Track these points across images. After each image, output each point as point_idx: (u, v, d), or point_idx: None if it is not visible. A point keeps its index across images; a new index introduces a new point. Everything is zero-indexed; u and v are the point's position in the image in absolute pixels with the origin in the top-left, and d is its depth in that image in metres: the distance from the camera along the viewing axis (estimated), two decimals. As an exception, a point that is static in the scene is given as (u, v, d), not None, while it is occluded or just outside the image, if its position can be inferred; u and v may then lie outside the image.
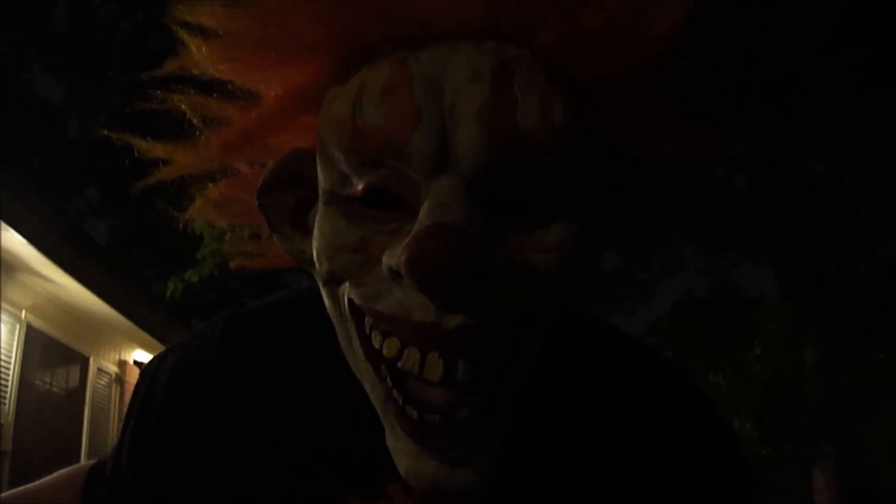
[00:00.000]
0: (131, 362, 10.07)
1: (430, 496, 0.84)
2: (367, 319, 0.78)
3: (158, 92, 0.89)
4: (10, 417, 7.30)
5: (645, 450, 0.90)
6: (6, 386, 7.37)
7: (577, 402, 0.91)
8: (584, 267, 0.80)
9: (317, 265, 0.81)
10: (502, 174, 0.73)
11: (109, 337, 9.44)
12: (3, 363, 7.34)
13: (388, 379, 0.77)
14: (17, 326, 7.56)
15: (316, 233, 0.81)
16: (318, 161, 0.81)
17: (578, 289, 17.27)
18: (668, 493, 0.89)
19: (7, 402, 7.35)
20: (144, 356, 10.27)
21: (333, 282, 0.80)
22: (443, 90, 0.73)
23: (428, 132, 0.72)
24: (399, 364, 0.75)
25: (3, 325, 7.29)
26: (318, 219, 0.81)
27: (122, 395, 9.71)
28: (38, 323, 7.87)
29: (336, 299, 0.81)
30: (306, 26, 0.76)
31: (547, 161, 0.74)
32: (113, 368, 9.58)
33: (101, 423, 9.23)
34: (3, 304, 7.28)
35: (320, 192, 0.81)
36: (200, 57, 0.81)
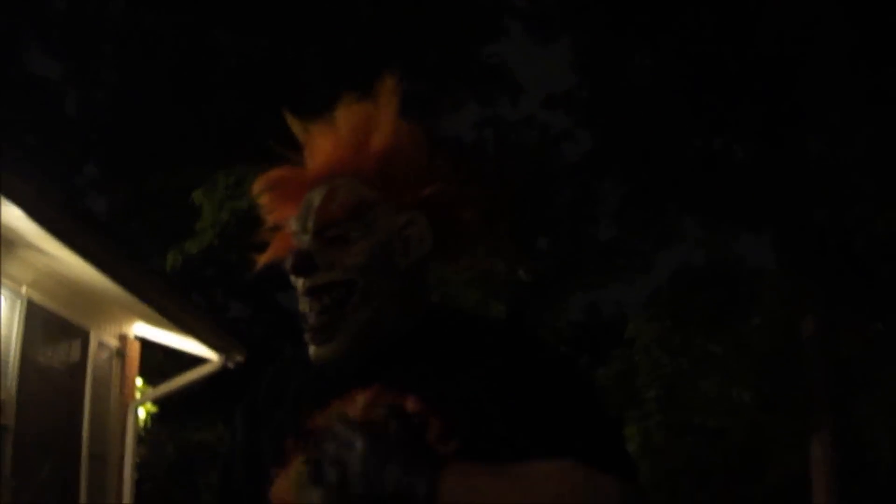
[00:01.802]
0: (132, 336, 10.10)
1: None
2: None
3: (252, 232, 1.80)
4: (12, 392, 7.34)
5: (479, 362, 1.52)
6: (7, 361, 7.40)
7: (450, 336, 1.59)
8: (383, 262, 1.57)
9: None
10: (327, 227, 1.57)
11: (110, 311, 9.47)
12: (3, 338, 7.38)
13: (303, 322, 1.59)
14: (18, 302, 7.59)
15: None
16: None
17: (576, 261, 17.31)
18: (497, 391, 1.49)
19: (8, 377, 7.38)
20: (145, 329, 10.30)
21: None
22: (311, 201, 1.60)
23: (300, 224, 1.62)
24: (302, 310, 1.59)
25: (3, 301, 7.32)
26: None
27: (123, 368, 9.74)
28: (38, 298, 7.90)
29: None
30: (297, 186, 1.68)
31: (350, 217, 1.57)
32: (114, 342, 9.61)
33: (103, 397, 9.26)
34: (4, 280, 7.31)
35: None
36: (264, 217, 1.75)
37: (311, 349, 1.56)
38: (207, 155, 15.92)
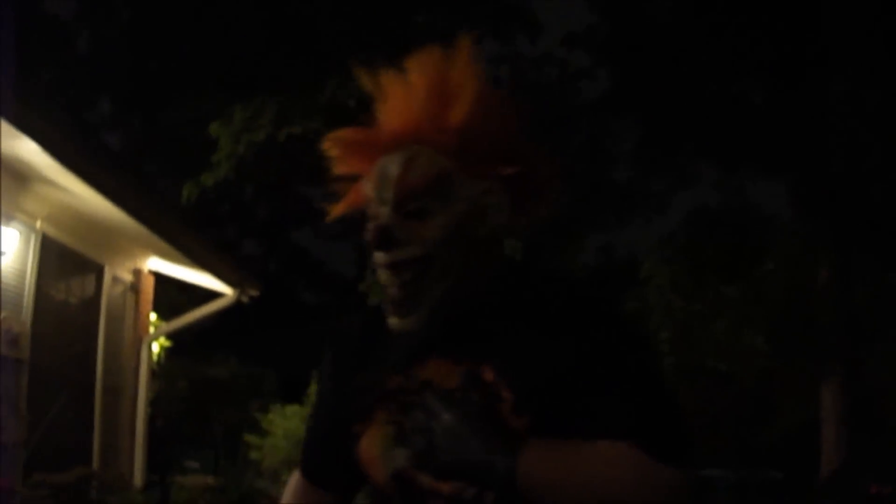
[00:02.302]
0: (146, 270, 10.11)
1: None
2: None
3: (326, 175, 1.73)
4: (27, 327, 7.36)
5: (557, 321, 1.55)
6: (22, 296, 7.41)
7: (518, 303, 1.61)
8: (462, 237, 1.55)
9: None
10: (407, 200, 1.55)
11: (124, 245, 9.46)
12: (18, 273, 7.37)
13: (384, 291, 1.59)
14: (33, 236, 7.58)
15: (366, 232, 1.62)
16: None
17: (592, 202, 17.22)
18: (567, 343, 1.52)
19: (23, 311, 7.40)
20: (159, 264, 10.30)
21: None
22: (388, 170, 1.57)
23: (378, 193, 1.58)
24: (382, 281, 1.59)
25: (18, 235, 7.30)
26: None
27: (136, 303, 9.77)
28: (53, 232, 7.89)
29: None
30: (373, 143, 1.63)
31: (429, 191, 1.55)
32: (128, 277, 9.62)
33: (117, 332, 9.29)
34: (18, 214, 7.28)
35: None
36: (334, 166, 1.70)
37: (393, 320, 1.58)
38: (224, 88, 15.83)
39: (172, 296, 12.30)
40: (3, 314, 6.96)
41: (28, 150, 6.49)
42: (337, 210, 1.73)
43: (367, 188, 1.61)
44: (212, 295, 10.95)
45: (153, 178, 13.86)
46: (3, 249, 7.00)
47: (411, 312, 1.56)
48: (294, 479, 1.82)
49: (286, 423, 11.89)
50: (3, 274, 7.09)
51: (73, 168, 6.93)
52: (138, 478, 9.14)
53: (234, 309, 11.08)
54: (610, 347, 1.53)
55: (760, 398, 18.43)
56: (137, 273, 9.83)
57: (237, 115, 11.72)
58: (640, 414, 1.49)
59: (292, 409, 12.21)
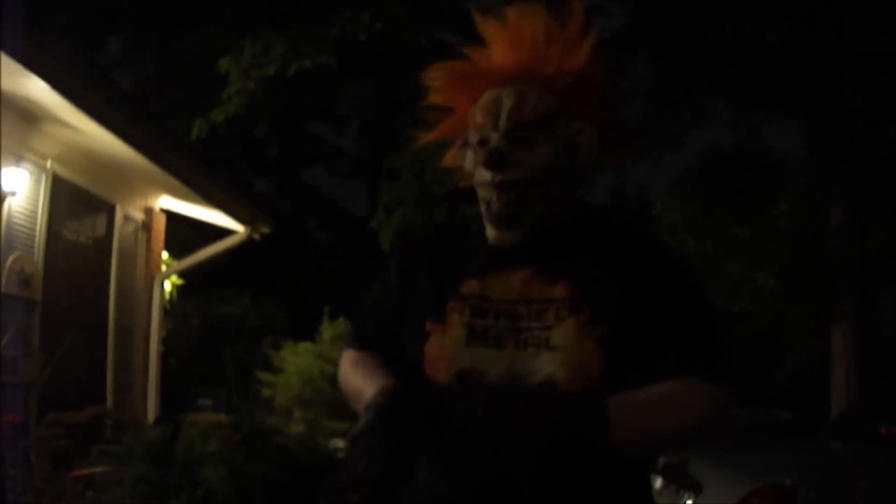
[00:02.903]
0: (157, 209, 10.10)
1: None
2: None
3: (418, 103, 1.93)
4: (39, 267, 7.38)
5: (629, 256, 1.77)
6: (33, 236, 7.41)
7: (598, 233, 1.83)
8: (566, 164, 1.76)
9: (468, 167, 1.83)
10: (518, 129, 1.73)
11: (135, 184, 9.44)
12: (29, 213, 7.37)
13: (484, 205, 1.77)
14: (43, 176, 7.57)
15: (468, 156, 1.82)
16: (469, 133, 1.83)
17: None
18: (644, 278, 1.73)
19: (35, 252, 7.41)
20: (170, 202, 10.29)
21: (472, 173, 1.82)
22: (501, 101, 1.75)
23: (491, 120, 1.75)
24: (485, 198, 1.76)
25: (28, 176, 7.28)
26: (468, 152, 1.82)
27: (148, 241, 9.78)
28: (63, 172, 7.87)
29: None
30: (482, 77, 1.81)
31: (538, 123, 1.74)
32: (139, 215, 9.61)
33: (129, 270, 9.31)
34: (28, 155, 7.26)
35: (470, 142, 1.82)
36: (432, 93, 1.89)
37: (493, 233, 1.77)
38: (233, 24, 15.69)
39: (184, 234, 12.31)
40: (14, 255, 6.97)
41: (37, 89, 6.46)
42: (432, 135, 1.94)
43: (477, 115, 1.78)
44: (223, 233, 10.97)
45: (164, 117, 13.77)
46: (13, 190, 6.99)
47: (513, 226, 1.75)
48: (349, 356, 1.93)
49: (298, 360, 11.98)
50: (14, 215, 7.09)
51: (83, 107, 6.90)
52: (151, 416, 9.22)
53: (246, 247, 11.11)
54: (669, 275, 1.77)
55: (771, 339, 18.44)
56: (149, 211, 9.83)
57: (247, 50, 11.61)
58: (697, 341, 1.73)
59: (304, 347, 12.29)
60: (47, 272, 7.52)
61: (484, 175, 1.75)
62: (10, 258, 6.92)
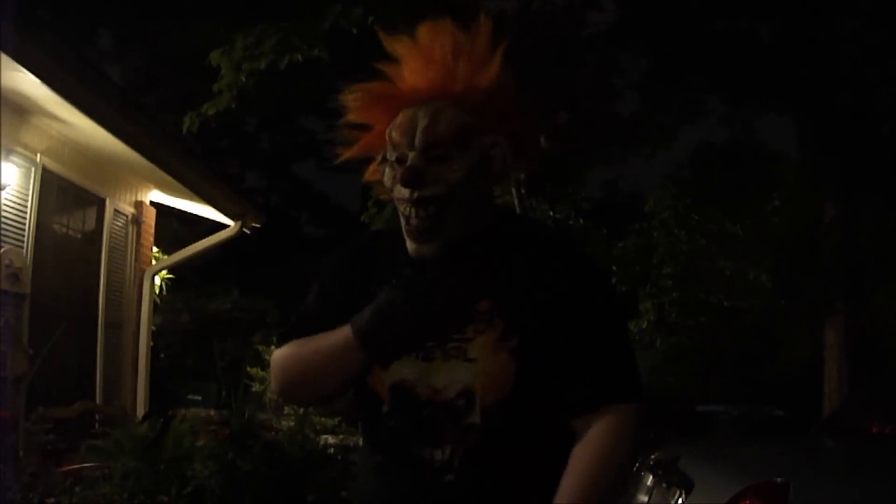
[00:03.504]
0: (147, 203, 10.05)
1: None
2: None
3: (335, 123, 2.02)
4: (29, 261, 7.33)
5: (535, 264, 1.83)
6: (23, 230, 7.37)
7: (509, 243, 1.87)
8: (477, 179, 1.83)
9: (388, 184, 1.87)
10: (433, 146, 1.80)
11: (125, 178, 9.40)
12: (19, 207, 7.33)
13: (403, 220, 1.82)
14: (33, 170, 7.52)
15: (387, 173, 1.88)
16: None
17: (597, 134, 17.10)
18: (548, 286, 1.80)
19: (25, 245, 7.36)
20: (161, 196, 10.25)
21: (391, 190, 1.87)
22: (416, 120, 1.81)
23: (407, 139, 1.82)
24: (404, 213, 1.82)
25: (18, 169, 7.24)
26: (386, 169, 1.88)
27: (138, 235, 9.72)
28: (53, 166, 7.83)
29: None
30: (397, 97, 1.87)
31: (452, 140, 1.80)
32: (129, 209, 9.56)
33: (118, 265, 9.27)
34: (18, 148, 7.21)
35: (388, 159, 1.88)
36: (351, 112, 1.95)
37: (412, 246, 1.85)
38: (225, 16, 15.64)
39: (174, 228, 12.27)
40: (3, 249, 6.93)
41: (27, 82, 6.42)
42: (349, 153, 1.99)
43: (394, 134, 1.85)
44: (214, 227, 10.91)
45: (154, 110, 13.73)
46: (3, 184, 6.94)
47: (431, 240, 1.82)
48: (285, 348, 1.96)
49: (289, 355, 11.91)
50: (3, 209, 7.04)
51: (73, 100, 6.86)
52: (141, 411, 9.17)
53: (237, 241, 11.05)
54: (582, 287, 1.84)
55: (764, 335, 18.47)
56: (139, 206, 9.78)
57: (238, 43, 11.59)
58: (607, 356, 1.81)
59: (295, 342, 12.22)
60: (36, 266, 7.47)
61: (402, 192, 1.82)
62: (-1, 252, 6.88)
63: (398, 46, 1.89)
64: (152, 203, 10.18)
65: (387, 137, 1.87)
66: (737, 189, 15.56)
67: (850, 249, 13.58)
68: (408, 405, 1.80)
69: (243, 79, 11.57)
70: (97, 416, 7.92)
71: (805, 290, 14.48)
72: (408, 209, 1.82)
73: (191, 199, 10.00)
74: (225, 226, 10.69)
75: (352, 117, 1.97)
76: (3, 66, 5.96)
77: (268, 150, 28.37)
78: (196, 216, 11.08)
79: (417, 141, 1.81)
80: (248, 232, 10.73)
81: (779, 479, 4.84)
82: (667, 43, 15.02)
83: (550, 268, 1.84)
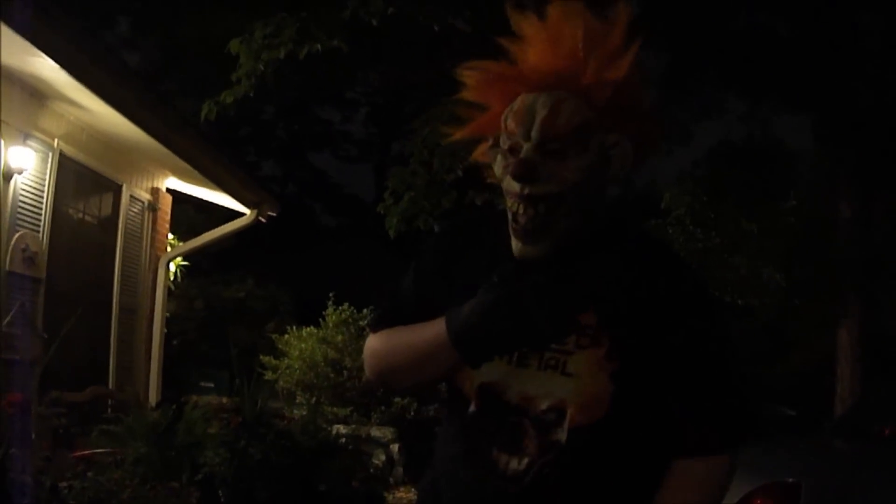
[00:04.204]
0: (164, 190, 10.08)
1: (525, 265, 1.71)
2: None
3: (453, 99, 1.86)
4: (45, 246, 7.36)
5: (647, 285, 1.71)
6: (40, 215, 7.39)
7: (621, 254, 1.75)
8: (595, 179, 1.70)
9: (498, 173, 1.76)
10: (551, 140, 1.66)
11: (142, 164, 9.42)
12: (36, 192, 7.35)
13: (511, 216, 1.70)
14: (50, 155, 7.54)
15: (498, 160, 1.76)
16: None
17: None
18: (660, 311, 1.69)
19: (41, 231, 7.39)
20: (177, 184, 10.27)
21: (501, 180, 1.75)
22: (535, 109, 1.68)
23: (523, 129, 1.68)
24: (512, 209, 1.70)
25: (35, 154, 7.26)
26: (498, 156, 1.75)
27: (154, 222, 9.75)
28: (70, 151, 7.85)
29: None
30: (518, 80, 1.73)
31: (572, 135, 1.66)
32: (146, 196, 9.59)
33: (134, 251, 9.30)
34: (36, 133, 7.23)
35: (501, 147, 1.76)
36: (466, 90, 1.80)
37: (518, 246, 1.72)
38: (244, 4, 15.64)
39: (190, 215, 12.29)
40: (20, 233, 6.95)
41: (46, 67, 6.43)
42: (461, 133, 1.88)
43: (509, 121, 1.72)
44: (230, 215, 10.94)
45: (172, 97, 13.76)
46: (20, 168, 6.97)
47: (538, 241, 1.69)
48: (377, 337, 1.91)
49: (302, 344, 11.93)
50: (20, 193, 7.07)
51: (91, 86, 6.87)
52: (153, 397, 9.21)
53: (252, 230, 11.07)
54: (694, 316, 1.73)
55: (777, 334, 18.40)
56: (155, 192, 9.80)
57: (257, 31, 11.57)
58: (716, 404, 1.73)
59: (308, 331, 12.24)
60: (52, 251, 7.50)
61: (512, 185, 1.69)
62: (16, 236, 6.90)
63: (524, 24, 1.72)
64: (168, 190, 10.20)
65: (502, 123, 1.74)
66: (753, 187, 15.48)
67: (865, 249, 13.53)
68: (495, 409, 1.71)
69: (262, 67, 11.56)
70: (110, 402, 7.96)
71: (819, 290, 14.43)
72: (516, 205, 1.69)
73: (207, 186, 10.02)
74: (240, 214, 10.71)
75: (466, 95, 1.82)
76: (21, 49, 5.97)
77: (284, 139, 28.40)
78: (212, 204, 11.10)
79: (534, 132, 1.67)
80: (263, 220, 10.75)
81: (790, 480, 4.83)
82: (684, 40, 14.95)
83: (663, 289, 1.72)
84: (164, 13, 18.41)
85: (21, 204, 7.10)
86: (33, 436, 5.94)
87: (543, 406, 1.67)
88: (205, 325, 15.00)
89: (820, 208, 14.86)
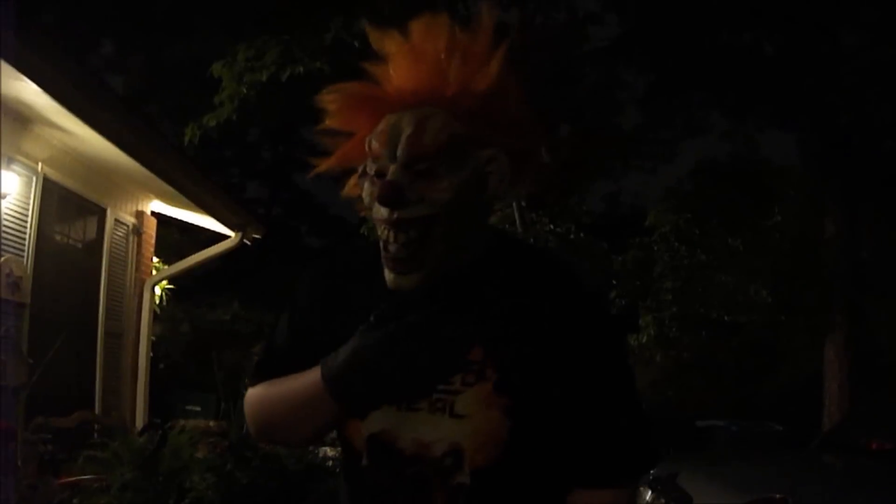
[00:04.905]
0: (148, 213, 10.05)
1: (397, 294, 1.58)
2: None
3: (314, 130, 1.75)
4: (29, 270, 7.32)
5: (536, 304, 1.59)
6: (24, 239, 7.36)
7: (506, 279, 1.62)
8: (465, 199, 1.55)
9: (366, 201, 1.61)
10: (418, 160, 1.53)
11: (127, 188, 9.40)
12: (20, 216, 7.32)
13: (382, 246, 1.57)
14: (34, 179, 7.51)
15: (366, 188, 1.61)
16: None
17: (599, 147, 17.12)
18: (551, 330, 1.58)
19: (25, 255, 7.35)
20: (162, 207, 10.24)
21: (370, 208, 1.61)
22: (400, 128, 1.55)
23: (388, 150, 1.55)
24: (382, 237, 1.56)
25: (19, 178, 7.24)
26: (366, 183, 1.62)
27: (139, 245, 9.72)
28: (54, 175, 7.82)
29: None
30: (381, 100, 1.60)
31: (441, 153, 1.53)
32: (130, 219, 9.56)
33: (119, 275, 9.26)
34: (19, 157, 7.21)
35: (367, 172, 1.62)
36: (329, 117, 1.67)
37: (390, 277, 1.58)
38: (227, 28, 15.68)
39: (175, 238, 12.27)
40: (4, 257, 6.92)
41: (28, 91, 6.41)
42: (326, 164, 1.74)
43: (374, 144, 1.58)
44: (215, 238, 10.91)
45: (156, 119, 13.77)
46: (4, 193, 6.94)
47: (412, 271, 1.55)
48: (257, 390, 1.74)
49: (288, 367, 11.91)
50: (4, 217, 7.04)
51: (75, 109, 6.84)
52: (140, 421, 9.16)
53: (237, 252, 11.05)
54: (593, 340, 1.60)
55: (764, 350, 18.46)
56: (140, 215, 9.78)
57: (240, 54, 11.63)
58: (617, 431, 1.62)
59: (295, 354, 12.22)
60: (37, 275, 7.46)
61: (380, 211, 1.55)
62: (0, 261, 6.87)
63: (386, 43, 1.60)
64: (153, 213, 10.17)
65: (366, 147, 1.60)
66: (738, 204, 15.56)
67: (851, 264, 13.59)
68: (390, 460, 1.58)
69: (245, 90, 11.59)
70: (96, 427, 7.90)
71: (806, 306, 14.48)
72: (386, 232, 1.55)
73: (192, 209, 9.99)
74: (226, 236, 10.68)
75: (330, 122, 1.68)
76: (4, 74, 5.95)
77: (269, 161, 28.42)
78: (197, 226, 11.07)
79: (400, 152, 1.54)
80: (248, 243, 10.73)
81: (778, 496, 4.83)
82: (669, 57, 15.03)
83: (553, 310, 1.60)
84: (148, 36, 18.43)
85: (5, 228, 7.06)
86: (18, 462, 5.91)
87: (439, 452, 1.55)
88: (191, 349, 14.97)
89: (805, 224, 14.92)
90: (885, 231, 14.62)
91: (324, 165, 1.74)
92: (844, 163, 13.64)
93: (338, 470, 1.49)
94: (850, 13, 13.36)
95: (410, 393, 1.56)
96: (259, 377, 1.75)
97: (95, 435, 7.43)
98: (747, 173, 15.99)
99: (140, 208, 9.81)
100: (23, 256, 7.33)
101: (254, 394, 1.74)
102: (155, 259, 10.38)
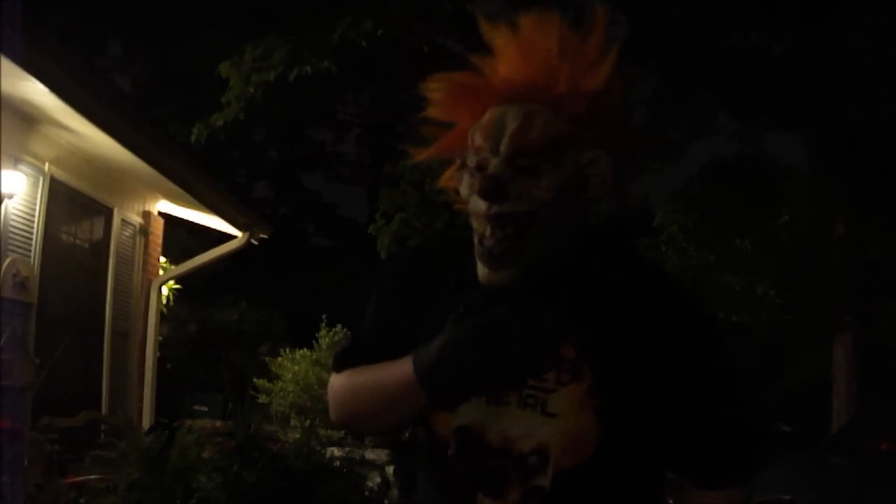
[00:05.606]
0: (155, 213, 10.06)
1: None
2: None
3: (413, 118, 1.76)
4: (36, 270, 7.33)
5: (635, 305, 1.59)
6: (30, 239, 7.37)
7: (602, 278, 1.62)
8: (569, 199, 1.55)
9: (464, 194, 1.61)
10: (521, 155, 1.53)
11: (134, 188, 9.40)
12: (26, 216, 7.33)
13: (477, 238, 1.57)
14: (41, 179, 7.52)
15: (464, 180, 1.61)
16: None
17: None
18: (650, 332, 1.57)
19: (32, 255, 7.36)
20: (169, 207, 10.25)
21: (467, 201, 1.60)
22: (504, 122, 1.54)
23: (491, 143, 1.55)
24: (478, 231, 1.56)
25: (26, 178, 7.24)
26: (465, 175, 1.61)
27: (146, 246, 9.72)
28: (61, 175, 7.83)
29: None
30: (486, 92, 1.59)
31: (544, 150, 1.53)
32: (137, 219, 9.56)
33: (126, 275, 9.26)
34: (26, 157, 7.22)
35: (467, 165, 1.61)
36: (431, 106, 1.66)
37: (484, 272, 1.57)
38: (234, 28, 15.68)
39: (182, 238, 12.27)
40: (10, 258, 6.93)
41: (36, 91, 6.42)
42: (426, 154, 1.75)
43: (476, 136, 1.58)
44: (222, 238, 10.91)
45: (163, 120, 13.79)
46: (11, 193, 6.95)
47: (506, 266, 1.55)
48: (342, 376, 1.75)
49: (295, 367, 11.91)
50: (11, 217, 7.05)
51: (82, 109, 6.85)
52: (146, 421, 9.16)
53: (244, 252, 11.05)
54: (692, 343, 1.59)
55: (772, 351, 18.42)
56: (147, 216, 9.78)
57: (247, 54, 11.61)
58: (722, 433, 1.62)
59: (302, 354, 12.22)
60: (44, 275, 7.47)
61: (478, 205, 1.55)
62: (7, 261, 6.87)
63: (495, 35, 1.58)
64: (160, 213, 10.18)
65: (469, 139, 1.59)
66: (746, 205, 15.51)
67: (859, 265, 13.56)
68: (475, 452, 1.56)
69: (252, 90, 11.57)
70: (103, 427, 7.91)
71: (813, 306, 14.45)
72: (483, 226, 1.54)
73: (199, 209, 10.00)
74: (233, 237, 10.68)
75: (432, 112, 1.68)
76: (12, 74, 5.96)
77: (276, 161, 28.41)
78: (204, 227, 11.08)
79: (503, 146, 1.53)
80: (255, 243, 10.73)
81: (786, 497, 4.81)
82: (677, 58, 15.00)
83: (651, 311, 1.59)
84: (156, 36, 18.44)
85: (12, 228, 7.08)
86: (25, 462, 5.91)
87: (526, 448, 1.54)
88: (198, 349, 14.95)
89: (814, 225, 14.89)
90: (893, 232, 14.57)
91: (423, 155, 1.76)
92: (853, 164, 13.61)
93: (417, 457, 1.44)
94: (856, 15, 13.33)
95: (500, 385, 1.55)
96: (344, 365, 1.75)
97: (102, 435, 7.45)
98: (755, 174, 15.93)
99: (147, 208, 9.82)
100: (29, 256, 7.34)
101: (338, 382, 1.75)
102: (162, 259, 10.38)
